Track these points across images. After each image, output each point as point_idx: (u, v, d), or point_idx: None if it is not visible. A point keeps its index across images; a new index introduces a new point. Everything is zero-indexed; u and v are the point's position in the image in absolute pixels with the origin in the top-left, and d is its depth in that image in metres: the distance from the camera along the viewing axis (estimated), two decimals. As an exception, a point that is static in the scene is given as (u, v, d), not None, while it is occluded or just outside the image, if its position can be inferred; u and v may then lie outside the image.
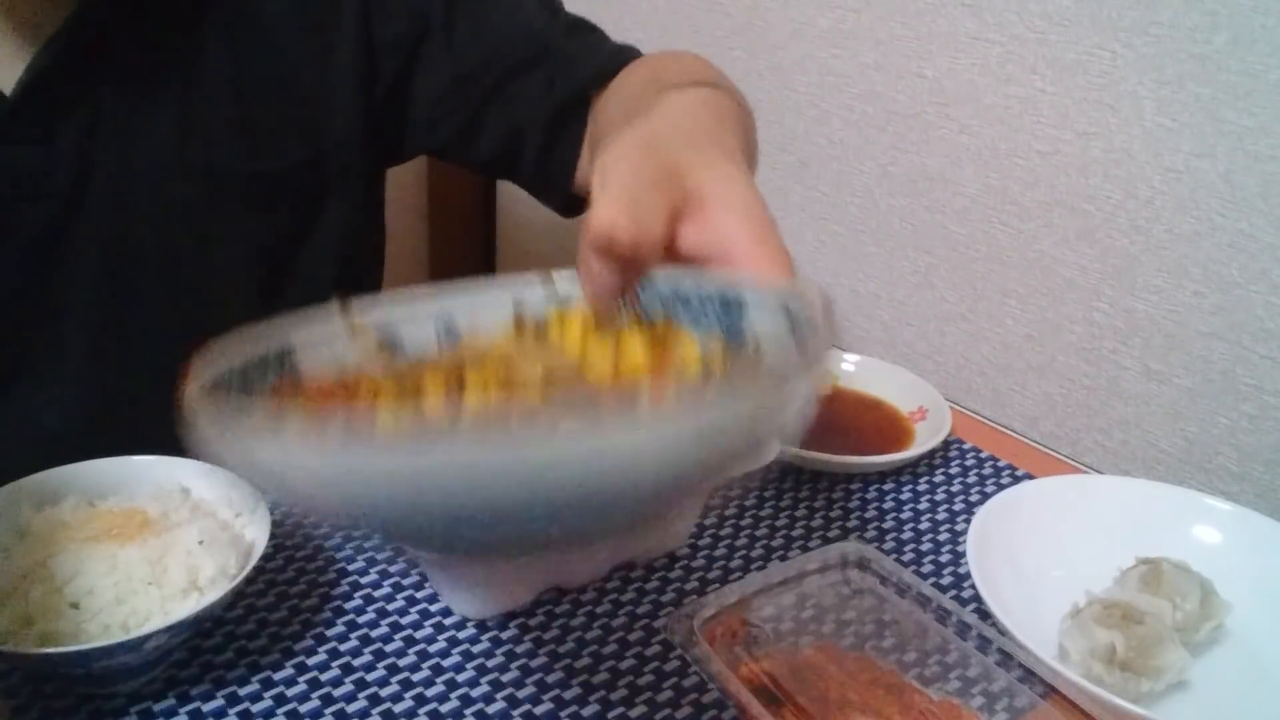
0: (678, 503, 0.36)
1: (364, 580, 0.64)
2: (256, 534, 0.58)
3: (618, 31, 1.23)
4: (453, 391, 0.40)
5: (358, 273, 0.85)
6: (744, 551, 0.68)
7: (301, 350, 0.43)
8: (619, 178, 0.42)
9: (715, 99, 0.64)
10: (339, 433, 0.29)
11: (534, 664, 0.58)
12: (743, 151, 0.53)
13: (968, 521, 0.67)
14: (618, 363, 0.41)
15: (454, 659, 0.58)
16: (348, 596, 0.62)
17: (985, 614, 0.59)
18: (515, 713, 0.55)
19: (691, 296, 0.44)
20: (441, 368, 0.41)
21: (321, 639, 0.59)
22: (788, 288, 0.41)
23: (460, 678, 0.57)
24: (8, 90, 0.66)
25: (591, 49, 0.79)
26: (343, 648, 0.58)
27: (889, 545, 0.69)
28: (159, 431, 0.70)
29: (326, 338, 0.44)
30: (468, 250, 1.64)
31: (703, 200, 0.43)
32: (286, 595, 0.62)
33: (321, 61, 0.76)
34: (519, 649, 0.59)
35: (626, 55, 0.80)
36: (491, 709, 0.55)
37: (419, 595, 0.62)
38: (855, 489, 0.75)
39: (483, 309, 0.47)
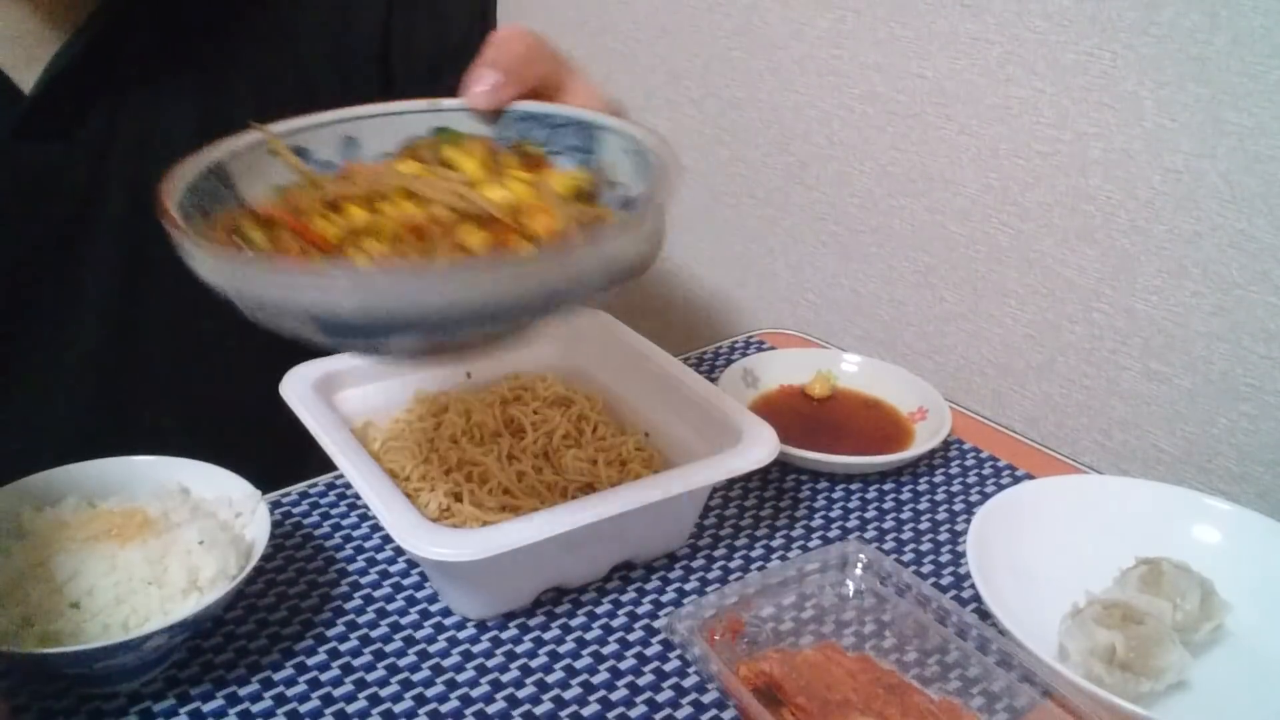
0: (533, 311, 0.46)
1: (364, 580, 0.64)
2: (256, 534, 0.58)
3: (618, 33, 1.23)
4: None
5: None
6: (744, 551, 0.68)
7: (239, 176, 0.52)
8: (520, 31, 0.54)
9: None
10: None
11: (534, 664, 0.58)
12: None
13: (968, 521, 0.67)
14: (508, 189, 0.50)
15: (454, 659, 0.58)
16: (348, 596, 0.62)
17: (985, 614, 0.59)
18: (515, 713, 0.55)
19: (555, 117, 0.54)
20: (361, 193, 0.50)
21: (321, 639, 0.59)
22: (638, 130, 0.52)
23: (460, 678, 0.57)
24: (28, 87, 0.66)
25: None
26: (343, 648, 0.58)
27: (889, 545, 0.69)
28: (166, 429, 0.70)
29: (258, 163, 0.53)
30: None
31: (570, 88, 0.55)
32: (286, 595, 0.62)
33: (341, 67, 0.76)
34: (519, 649, 0.59)
35: None
36: (491, 709, 0.55)
37: (419, 595, 0.62)
38: (855, 489, 0.75)
39: (383, 129, 0.57)
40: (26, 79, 0.66)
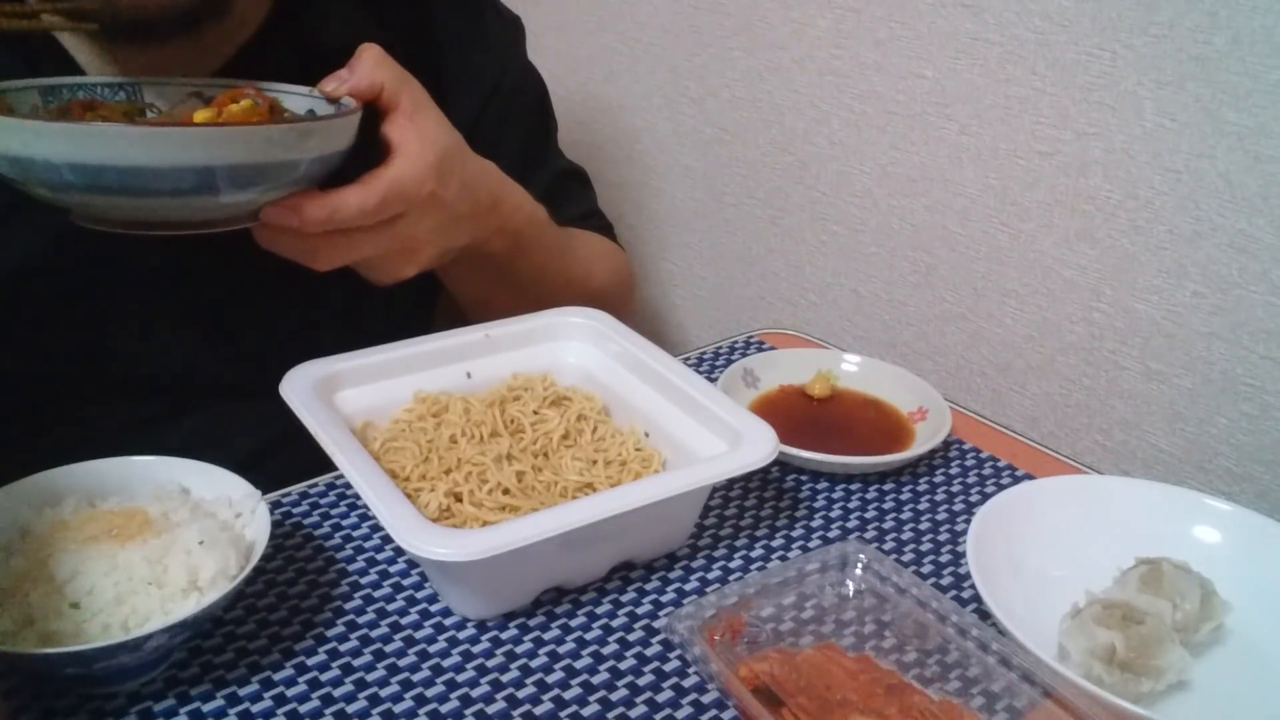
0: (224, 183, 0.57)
1: (364, 580, 0.64)
2: (256, 534, 0.58)
3: (618, 33, 1.24)
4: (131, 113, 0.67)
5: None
6: (744, 551, 0.68)
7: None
8: (376, 48, 0.67)
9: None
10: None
11: (534, 664, 0.58)
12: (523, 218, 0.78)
13: (968, 521, 0.67)
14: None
15: (454, 659, 0.58)
16: (348, 596, 0.62)
17: (985, 614, 0.59)
18: (515, 713, 0.55)
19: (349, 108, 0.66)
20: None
21: (321, 639, 0.59)
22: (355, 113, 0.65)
23: (460, 678, 0.57)
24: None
25: (577, 201, 0.89)
26: (343, 648, 0.58)
27: (889, 545, 0.69)
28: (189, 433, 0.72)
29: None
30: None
31: (403, 104, 0.66)
32: (286, 595, 0.62)
33: None
34: (519, 649, 0.59)
35: (595, 224, 0.93)
36: (491, 709, 0.55)
37: (419, 595, 0.62)
38: (855, 489, 0.75)
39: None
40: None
